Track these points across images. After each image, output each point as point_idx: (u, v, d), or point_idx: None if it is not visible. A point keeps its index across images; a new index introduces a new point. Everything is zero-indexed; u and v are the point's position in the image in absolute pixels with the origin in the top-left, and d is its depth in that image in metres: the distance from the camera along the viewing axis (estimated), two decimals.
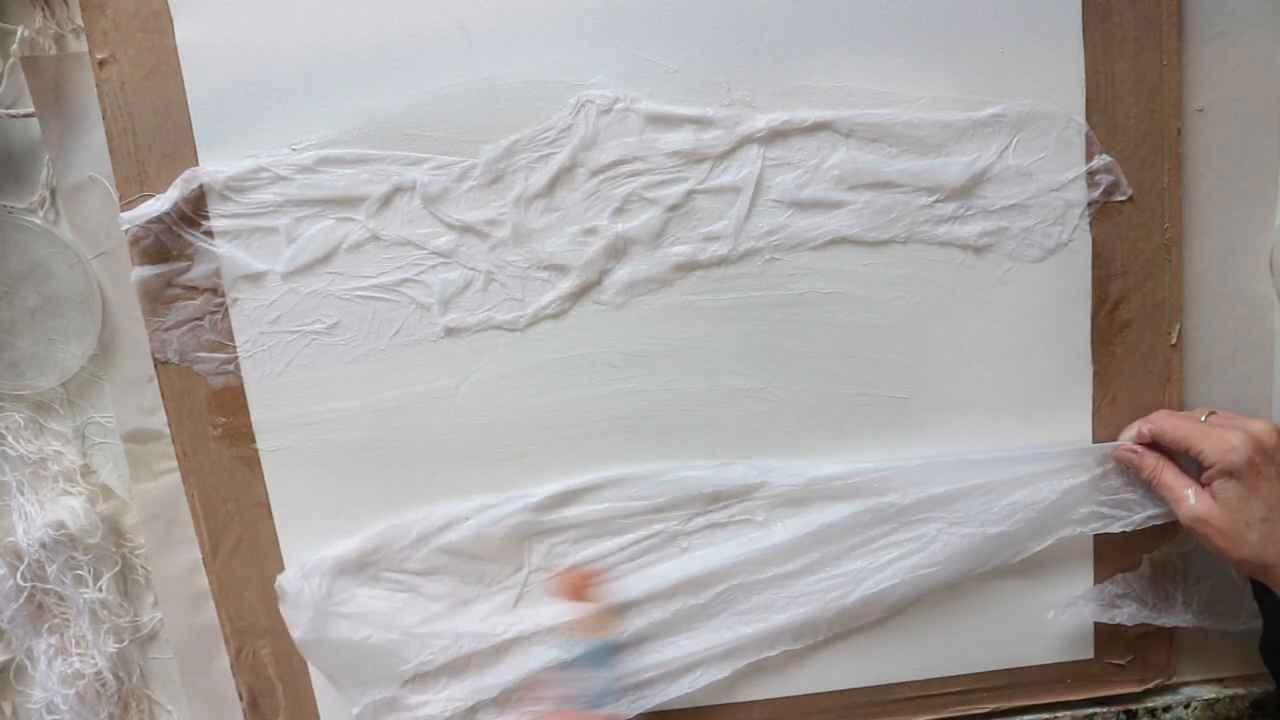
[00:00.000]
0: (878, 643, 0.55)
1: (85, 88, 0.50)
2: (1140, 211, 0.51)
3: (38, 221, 0.53)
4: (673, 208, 0.50)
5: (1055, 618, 0.55)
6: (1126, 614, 0.54)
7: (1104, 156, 0.50)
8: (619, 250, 0.50)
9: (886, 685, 0.56)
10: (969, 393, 0.53)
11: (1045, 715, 0.57)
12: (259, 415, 0.52)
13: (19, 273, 0.53)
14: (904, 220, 0.50)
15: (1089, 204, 0.50)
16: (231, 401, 0.52)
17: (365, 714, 0.53)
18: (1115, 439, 0.52)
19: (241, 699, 0.56)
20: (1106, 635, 0.56)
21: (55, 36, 0.51)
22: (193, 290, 0.50)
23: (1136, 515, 0.51)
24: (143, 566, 0.58)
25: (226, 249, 0.50)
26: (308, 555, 0.53)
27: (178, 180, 0.49)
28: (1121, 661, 0.56)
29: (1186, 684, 0.58)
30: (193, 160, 0.49)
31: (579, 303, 0.51)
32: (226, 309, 0.51)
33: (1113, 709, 0.57)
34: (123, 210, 0.49)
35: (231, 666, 0.56)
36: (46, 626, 0.57)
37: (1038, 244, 0.51)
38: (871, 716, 0.57)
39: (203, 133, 0.49)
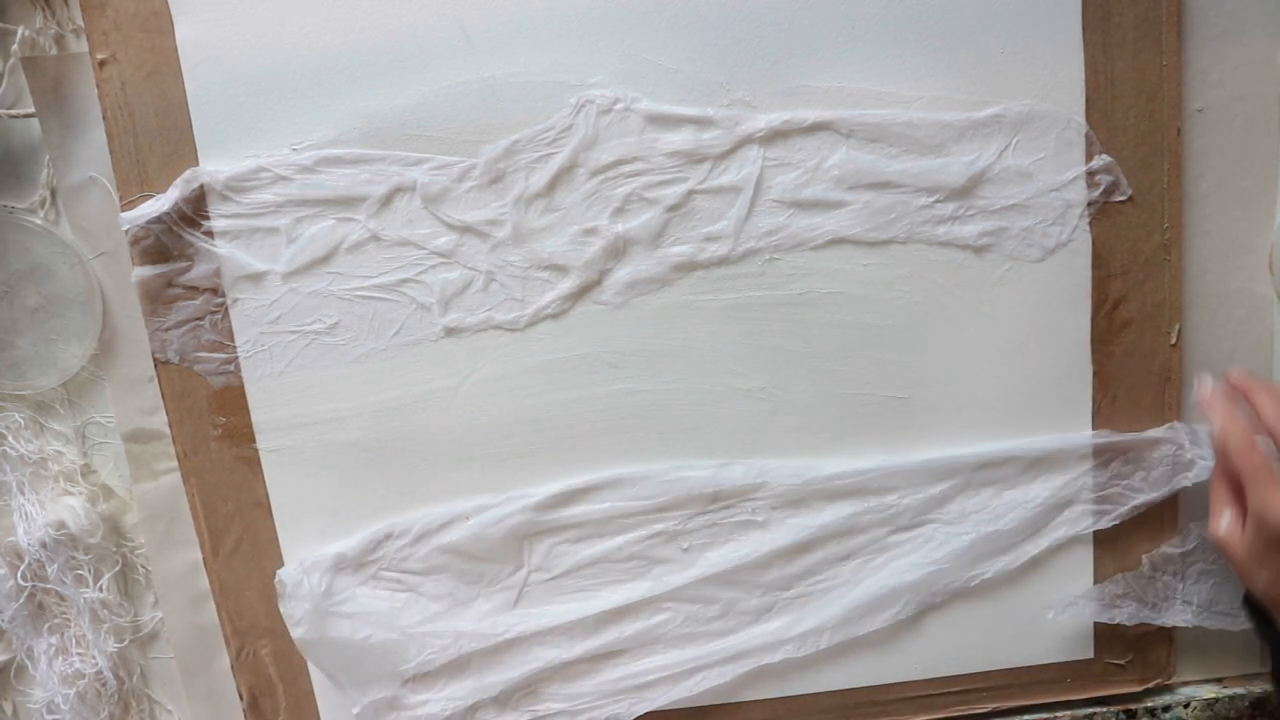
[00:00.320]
0: (878, 643, 0.55)
1: (85, 88, 0.50)
2: (1140, 211, 0.51)
3: (38, 221, 0.53)
4: (673, 208, 0.50)
5: (1055, 618, 0.55)
6: (1126, 614, 0.54)
7: (1104, 156, 0.50)
8: (619, 250, 0.50)
9: (886, 685, 0.56)
10: (969, 393, 0.53)
11: (1045, 715, 0.57)
12: (259, 415, 0.52)
13: (19, 273, 0.53)
14: (904, 220, 0.50)
15: (1089, 204, 0.50)
16: (232, 401, 0.52)
17: (365, 713, 0.53)
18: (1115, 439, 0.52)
19: (242, 699, 0.56)
20: (1106, 635, 0.56)
21: (55, 37, 0.51)
22: (193, 290, 0.50)
23: (1123, 507, 0.52)
24: (143, 566, 0.58)
25: (227, 249, 0.50)
26: (308, 554, 0.53)
27: (178, 180, 0.49)
28: (1121, 661, 0.56)
29: (1186, 684, 0.58)
30: (193, 160, 0.49)
31: (579, 303, 0.51)
32: (227, 309, 0.51)
33: (1112, 709, 0.57)
34: (123, 210, 0.49)
35: (232, 666, 0.56)
36: (47, 626, 0.57)
37: (1037, 244, 0.51)
38: (871, 716, 0.57)
39: (203, 133, 0.49)
